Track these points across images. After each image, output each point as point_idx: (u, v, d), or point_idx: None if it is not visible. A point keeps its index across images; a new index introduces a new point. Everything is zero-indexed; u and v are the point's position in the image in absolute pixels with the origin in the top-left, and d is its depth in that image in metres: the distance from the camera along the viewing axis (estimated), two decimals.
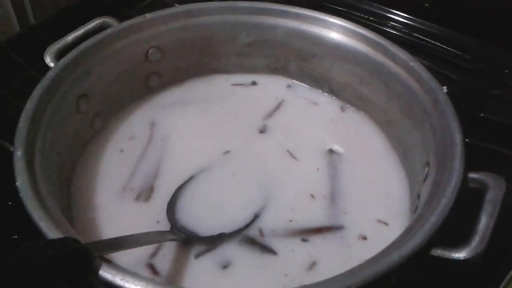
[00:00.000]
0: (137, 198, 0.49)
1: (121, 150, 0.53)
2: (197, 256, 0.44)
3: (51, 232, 0.35)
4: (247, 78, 0.62)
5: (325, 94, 0.60)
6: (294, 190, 0.50)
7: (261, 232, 0.46)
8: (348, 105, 0.59)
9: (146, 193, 0.49)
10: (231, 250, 0.45)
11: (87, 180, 0.50)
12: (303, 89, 0.61)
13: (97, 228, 0.46)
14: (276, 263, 0.44)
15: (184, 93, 0.60)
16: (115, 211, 0.48)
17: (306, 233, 0.46)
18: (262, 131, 0.56)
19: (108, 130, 0.55)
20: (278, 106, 0.59)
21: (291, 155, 0.53)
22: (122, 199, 0.49)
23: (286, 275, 0.43)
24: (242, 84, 0.61)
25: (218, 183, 0.50)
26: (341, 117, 0.58)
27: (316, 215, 0.48)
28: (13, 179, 0.39)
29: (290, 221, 0.47)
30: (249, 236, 0.46)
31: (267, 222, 0.47)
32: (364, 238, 0.46)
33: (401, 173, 0.51)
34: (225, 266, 0.43)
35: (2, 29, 0.80)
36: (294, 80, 0.62)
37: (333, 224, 0.47)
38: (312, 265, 0.44)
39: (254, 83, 0.62)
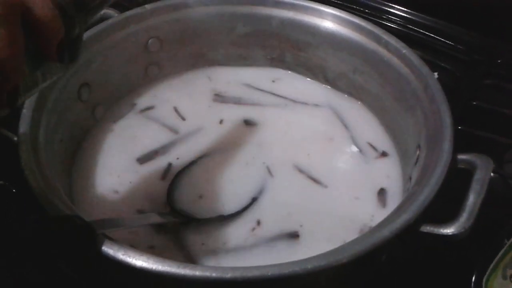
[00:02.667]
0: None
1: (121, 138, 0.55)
2: None
3: (56, 210, 0.36)
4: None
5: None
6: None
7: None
8: (345, 95, 0.60)
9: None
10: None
11: (87, 166, 0.51)
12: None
13: (96, 211, 0.47)
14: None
15: (184, 84, 0.62)
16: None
17: None
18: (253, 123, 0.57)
19: (108, 119, 0.56)
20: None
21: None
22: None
23: None
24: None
25: (217, 169, 0.51)
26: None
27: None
28: (16, 167, 0.40)
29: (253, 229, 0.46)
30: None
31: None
32: None
33: (394, 158, 0.53)
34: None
35: None
36: (289, 71, 0.63)
37: None
38: None
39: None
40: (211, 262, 0.43)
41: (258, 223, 0.47)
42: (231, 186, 0.50)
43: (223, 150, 0.54)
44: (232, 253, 0.44)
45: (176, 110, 0.58)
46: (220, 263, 0.43)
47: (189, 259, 0.43)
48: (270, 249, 0.45)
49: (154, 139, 0.54)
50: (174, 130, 0.56)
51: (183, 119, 0.57)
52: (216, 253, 0.44)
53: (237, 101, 0.60)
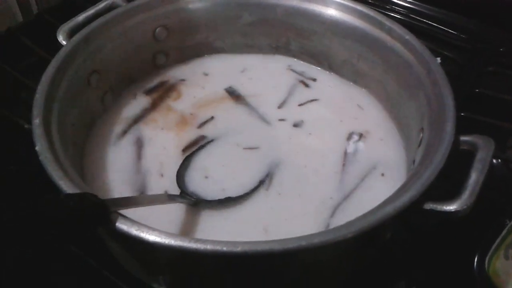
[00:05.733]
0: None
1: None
2: None
3: (71, 190, 0.37)
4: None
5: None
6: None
7: None
8: (351, 83, 0.61)
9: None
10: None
11: (98, 151, 0.53)
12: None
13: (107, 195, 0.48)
14: None
15: (190, 72, 0.63)
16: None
17: None
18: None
19: (117, 105, 0.57)
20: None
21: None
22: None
23: None
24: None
25: (225, 153, 0.53)
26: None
27: None
28: (31, 154, 0.41)
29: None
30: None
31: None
32: None
33: (398, 142, 0.54)
34: None
35: (5, 20, 0.82)
36: (295, 59, 0.64)
37: None
38: None
39: None
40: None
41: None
42: (238, 169, 0.51)
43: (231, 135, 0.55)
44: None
45: None
46: None
47: None
48: None
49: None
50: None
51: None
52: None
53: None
